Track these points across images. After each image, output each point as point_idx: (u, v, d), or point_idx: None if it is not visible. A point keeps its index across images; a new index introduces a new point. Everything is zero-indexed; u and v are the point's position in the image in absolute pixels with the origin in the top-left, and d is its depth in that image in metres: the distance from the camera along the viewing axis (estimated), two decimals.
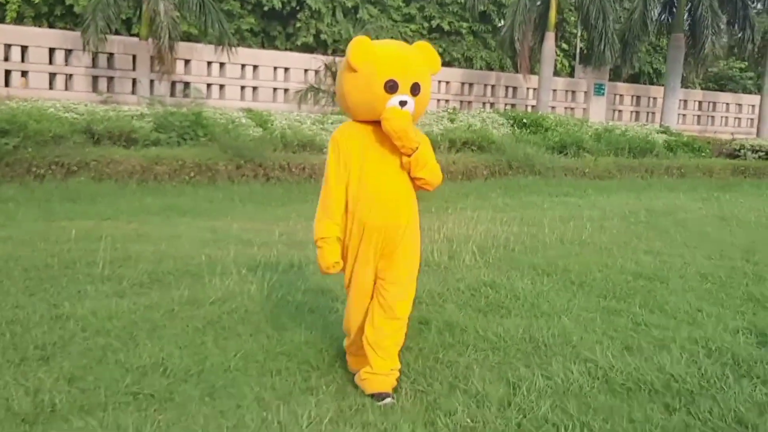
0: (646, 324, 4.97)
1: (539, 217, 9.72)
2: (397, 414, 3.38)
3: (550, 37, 21.92)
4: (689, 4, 23.57)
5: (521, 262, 6.75)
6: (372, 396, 3.56)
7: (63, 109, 12.90)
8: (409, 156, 3.52)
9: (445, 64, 28.35)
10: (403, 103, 3.46)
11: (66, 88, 17.20)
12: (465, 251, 7.07)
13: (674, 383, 3.83)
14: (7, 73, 16.68)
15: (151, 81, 17.64)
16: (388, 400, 3.52)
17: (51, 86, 16.95)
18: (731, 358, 4.30)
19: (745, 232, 9.42)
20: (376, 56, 3.47)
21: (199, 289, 5.40)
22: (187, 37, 19.06)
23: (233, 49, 17.11)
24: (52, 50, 17.19)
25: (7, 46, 16.69)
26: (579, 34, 27.07)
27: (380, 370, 3.61)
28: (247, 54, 19.71)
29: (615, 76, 29.40)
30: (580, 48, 28.06)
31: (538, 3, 21.74)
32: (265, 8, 25.26)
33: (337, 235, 3.60)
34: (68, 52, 17.32)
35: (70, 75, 17.47)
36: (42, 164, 10.99)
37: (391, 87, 3.44)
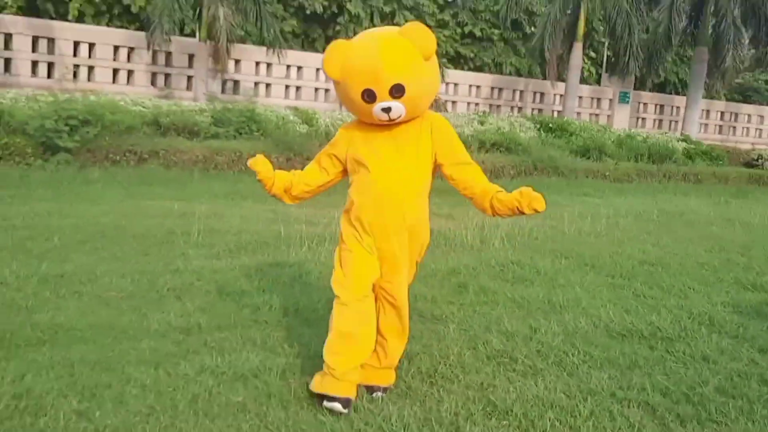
0: (644, 295, 6.11)
1: (560, 212, 10.83)
2: (447, 340, 4.57)
3: (578, 47, 22.99)
4: (713, 19, 24.51)
5: (543, 248, 7.92)
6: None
7: (131, 103, 14.22)
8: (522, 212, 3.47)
9: (476, 68, 29.53)
10: (386, 110, 3.37)
11: (127, 83, 18.61)
12: (494, 237, 8.27)
13: (659, 332, 4.98)
14: (76, 68, 18.12)
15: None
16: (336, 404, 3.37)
17: (114, 81, 18.34)
18: (708, 319, 5.43)
19: (746, 231, 10.45)
20: (346, 66, 3.38)
21: (279, 255, 6.65)
22: (239, 39, 20.38)
23: (283, 51, 18.45)
24: (116, 48, 18.62)
25: (76, 43, 18.10)
26: (606, 43, 28.05)
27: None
28: (293, 56, 21.01)
29: (640, 84, 30.32)
30: (607, 56, 29.04)
31: (568, 14, 22.79)
32: (307, 11, 26.52)
33: (280, 177, 3.74)
34: (130, 49, 18.74)
35: (131, 71, 18.89)
36: (118, 152, 12.32)
37: (369, 96, 3.36)
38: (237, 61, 19.99)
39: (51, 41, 17.89)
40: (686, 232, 10.00)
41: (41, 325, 4.24)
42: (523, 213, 3.44)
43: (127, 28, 21.76)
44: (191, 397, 3.41)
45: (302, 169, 3.84)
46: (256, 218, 8.81)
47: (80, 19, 22.59)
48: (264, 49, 19.39)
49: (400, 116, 3.42)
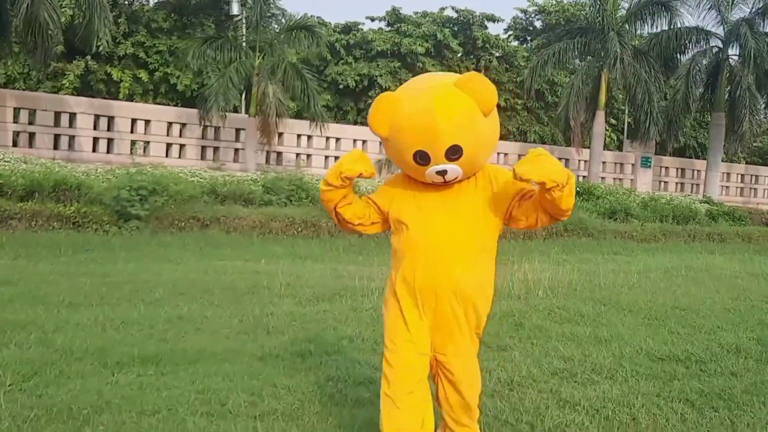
0: (678, 333, 6.97)
1: (594, 269, 11.71)
2: (515, 361, 5.47)
3: (600, 115, 24.21)
4: (729, 86, 25.69)
5: (583, 296, 8.81)
6: None
7: (189, 174, 15.44)
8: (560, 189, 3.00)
9: (501, 138, 30.66)
10: (442, 173, 3.10)
11: (179, 156, 20.00)
12: (538, 288, 9.18)
13: (692, 357, 5.85)
14: (132, 143, 19.57)
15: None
16: None
17: (167, 155, 19.73)
18: (735, 348, 6.28)
19: None
20: (395, 123, 3.10)
21: (356, 302, 7.61)
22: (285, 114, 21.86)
23: (325, 125, 19.82)
24: (169, 124, 20.08)
25: (133, 121, 19.59)
26: (627, 111, 29.28)
27: None
28: (331, 128, 22.41)
29: (661, 149, 31.43)
30: (628, 123, 30.24)
31: (590, 84, 24.06)
32: (340, 86, 28.13)
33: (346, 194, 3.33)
34: (182, 125, 20.20)
35: (183, 145, 20.32)
36: (183, 218, 13.44)
37: (422, 158, 3.09)
38: (280, 134, 21.36)
39: (111, 119, 19.36)
40: (713, 283, 10.81)
41: (187, 350, 5.22)
42: (546, 187, 2.97)
43: (174, 105, 23.34)
44: (327, 397, 4.35)
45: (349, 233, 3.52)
46: (320, 275, 9.80)
47: (130, 98, 24.27)
48: (303, 122, 20.80)
49: (456, 178, 3.16)
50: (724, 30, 26.09)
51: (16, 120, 18.09)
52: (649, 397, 4.55)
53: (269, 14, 20.44)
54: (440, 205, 3.21)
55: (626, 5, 25.20)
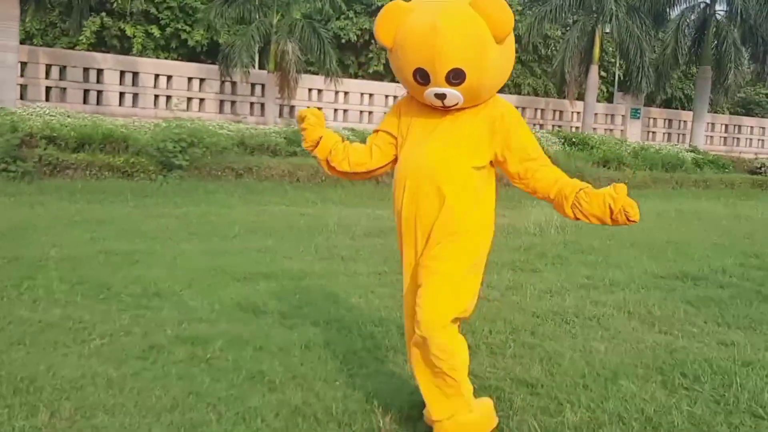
0: (675, 260, 8.40)
1: None
2: (548, 276, 6.85)
3: (594, 69, 25.45)
4: (715, 41, 26.97)
5: (589, 234, 10.17)
6: None
7: (218, 127, 16.60)
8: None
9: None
10: (440, 96, 2.90)
11: (199, 110, 21.11)
12: (550, 227, 10.59)
13: (688, 275, 7.26)
14: (156, 97, 20.68)
15: (262, 105, 21.58)
16: None
17: (188, 108, 20.83)
18: (721, 269, 7.70)
19: (751, 224, 12.73)
20: (399, 35, 2.90)
21: None
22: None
23: (339, 80, 20.98)
24: (189, 79, 21.17)
25: (156, 76, 20.67)
26: (618, 64, 30.50)
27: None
28: (339, 82, 23.54)
29: (649, 101, 32.74)
30: (618, 76, 31.49)
31: (584, 40, 25.21)
32: (342, 41, 29.06)
33: (334, 140, 3.24)
34: (201, 80, 21.29)
35: (202, 99, 21.43)
36: (219, 168, 14.68)
37: (422, 77, 2.89)
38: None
39: (135, 75, 20.41)
40: (701, 224, 12.29)
41: (292, 270, 6.57)
42: (612, 220, 2.96)
43: (183, 60, 24.32)
44: None
45: (366, 180, 3.35)
46: (357, 217, 11.12)
47: (143, 52, 25.20)
48: (315, 77, 21.89)
49: (456, 104, 2.95)
50: None
51: (47, 76, 19.09)
52: (658, 300, 5.96)
53: None
54: (433, 132, 3.00)
55: None
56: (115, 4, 23.01)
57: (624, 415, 3.33)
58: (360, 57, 30.47)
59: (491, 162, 3.05)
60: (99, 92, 19.81)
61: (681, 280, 7.06)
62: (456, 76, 2.82)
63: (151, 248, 7.25)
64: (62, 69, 19.30)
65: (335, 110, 23.71)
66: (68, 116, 15.33)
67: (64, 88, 19.24)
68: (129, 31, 25.10)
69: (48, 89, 19.14)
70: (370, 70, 29.82)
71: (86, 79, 19.57)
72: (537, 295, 6.03)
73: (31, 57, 18.84)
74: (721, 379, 3.87)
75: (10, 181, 12.00)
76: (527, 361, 4.11)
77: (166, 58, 24.84)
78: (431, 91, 2.89)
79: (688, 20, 27.46)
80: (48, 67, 19.10)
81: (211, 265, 6.50)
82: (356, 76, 28.97)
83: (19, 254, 6.38)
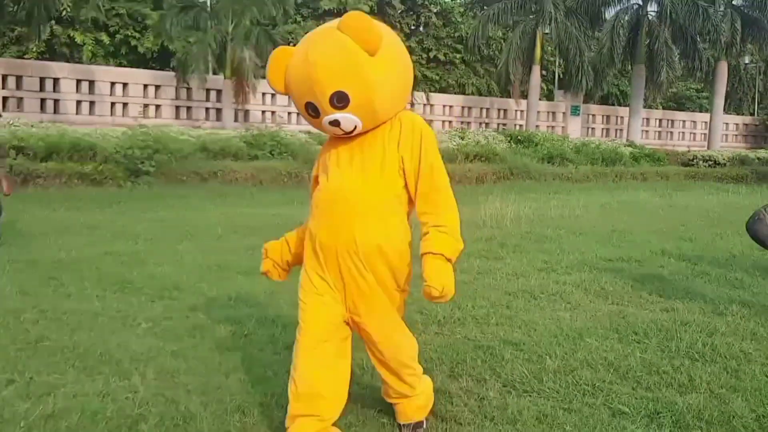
0: (620, 246, 9.33)
1: (542, 205, 14.03)
2: (510, 262, 7.70)
3: (536, 69, 26.68)
4: (648, 40, 28.49)
5: (542, 225, 11.12)
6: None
7: (179, 133, 17.13)
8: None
9: (440, 90, 33.07)
10: (335, 124, 2.90)
11: (155, 116, 21.53)
12: (504, 220, 11.48)
13: (632, 258, 8.19)
14: (113, 105, 21.03)
15: (218, 110, 22.11)
16: None
17: (144, 115, 21.25)
18: (660, 251, 8.66)
19: (684, 213, 13.83)
20: (288, 77, 2.96)
21: None
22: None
23: None
24: (145, 86, 21.56)
25: (112, 84, 21.02)
26: (558, 63, 31.84)
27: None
28: None
29: (588, 98, 34.23)
30: (558, 75, 32.86)
31: (526, 41, 26.39)
32: (291, 44, 29.65)
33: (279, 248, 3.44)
34: (157, 87, 21.70)
35: (158, 105, 21.85)
36: (184, 173, 15.24)
37: (313, 110, 2.92)
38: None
39: (91, 83, 20.73)
40: (641, 214, 13.34)
41: None
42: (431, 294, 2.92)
43: (134, 66, 24.66)
44: None
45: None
46: None
47: (94, 60, 25.43)
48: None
49: (355, 128, 2.94)
50: None
51: (4, 86, 19.32)
52: (609, 278, 6.85)
53: None
54: (346, 159, 3.02)
55: None
56: (64, 12, 23.23)
57: (591, 361, 4.17)
58: None
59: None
60: (56, 101, 20.08)
61: (627, 262, 7.98)
62: (339, 99, 2.84)
63: (151, 249, 7.86)
64: (18, 79, 19.54)
65: (289, 113, 24.35)
66: (32, 126, 15.67)
67: (21, 98, 19.48)
68: (79, 39, 25.32)
69: (5, 99, 19.36)
70: None
71: (42, 89, 19.83)
72: (506, 278, 6.86)
73: None
74: (665, 334, 4.74)
75: None
76: (508, 327, 4.92)
77: (117, 65, 25.14)
78: (325, 120, 2.90)
79: (622, 21, 28.96)
80: (4, 77, 19.33)
81: (213, 261, 7.15)
82: None
83: (33, 257, 6.94)
